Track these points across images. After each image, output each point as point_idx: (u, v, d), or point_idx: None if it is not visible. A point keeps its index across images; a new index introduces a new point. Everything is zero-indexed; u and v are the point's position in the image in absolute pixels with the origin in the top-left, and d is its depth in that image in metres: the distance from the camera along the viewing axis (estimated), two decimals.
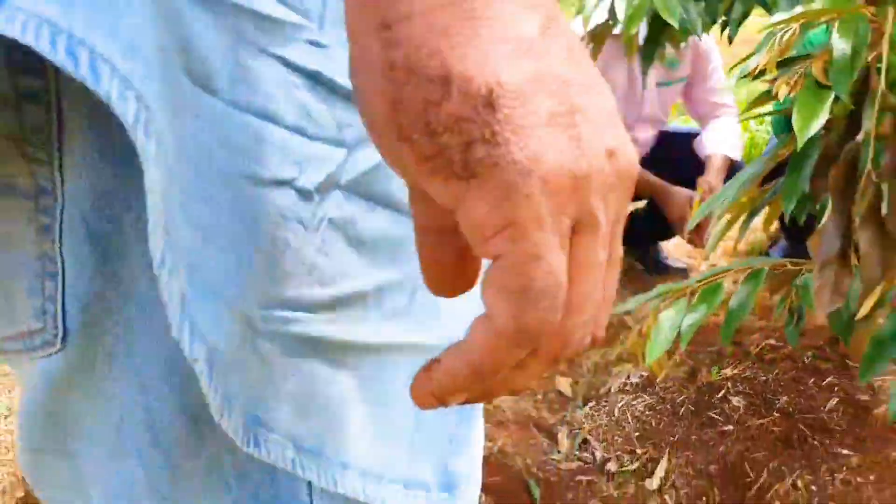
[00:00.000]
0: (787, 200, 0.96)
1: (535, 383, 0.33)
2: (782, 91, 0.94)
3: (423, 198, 0.27)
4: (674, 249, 2.85)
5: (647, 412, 1.94)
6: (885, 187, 0.83)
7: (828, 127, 0.91)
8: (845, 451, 1.73)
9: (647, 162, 2.59)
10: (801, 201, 0.95)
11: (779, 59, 0.95)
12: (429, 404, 0.28)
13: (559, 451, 1.81)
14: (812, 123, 0.86)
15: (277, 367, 0.32)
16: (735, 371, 1.99)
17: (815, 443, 1.75)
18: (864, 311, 0.94)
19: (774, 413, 1.83)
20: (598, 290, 0.26)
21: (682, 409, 1.92)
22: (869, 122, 0.84)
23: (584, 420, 1.92)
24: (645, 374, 2.07)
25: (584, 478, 1.73)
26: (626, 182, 0.26)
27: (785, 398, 1.87)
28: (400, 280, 0.35)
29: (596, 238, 0.25)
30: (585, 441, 1.85)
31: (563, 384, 2.08)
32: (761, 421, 1.82)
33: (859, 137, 0.84)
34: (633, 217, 2.77)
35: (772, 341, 2.08)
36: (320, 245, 0.32)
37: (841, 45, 0.90)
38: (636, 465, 1.75)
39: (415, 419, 0.38)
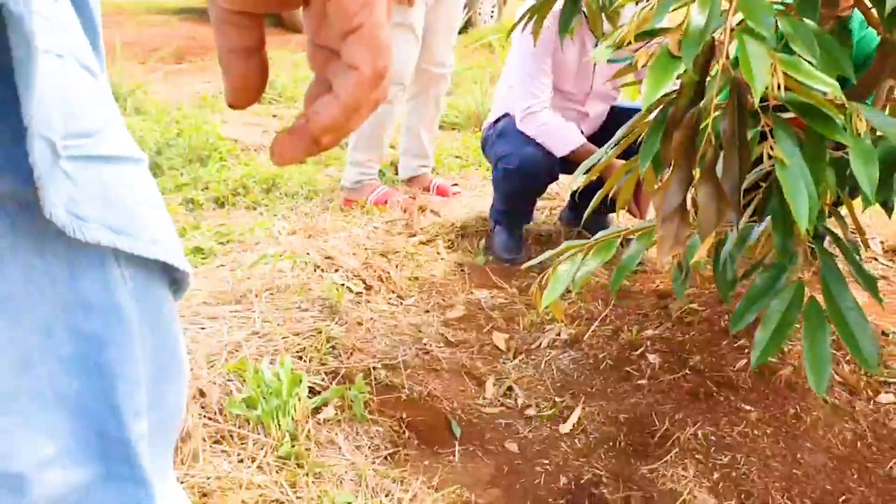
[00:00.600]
0: (642, 162, 1.08)
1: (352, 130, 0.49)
2: (641, 61, 1.05)
3: (239, 23, 0.43)
4: (621, 220, 2.97)
5: (571, 365, 2.07)
6: (722, 153, 0.95)
7: (678, 95, 1.03)
8: (747, 407, 1.87)
9: (598, 137, 2.71)
10: (655, 162, 1.07)
11: (637, 32, 1.07)
12: (299, 153, 0.42)
13: (485, 398, 1.95)
14: (658, 90, 0.98)
15: (76, 178, 0.44)
16: (655, 332, 2.13)
17: (721, 398, 1.89)
18: (699, 255, 1.07)
19: (686, 370, 1.97)
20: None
21: (603, 364, 2.06)
22: (711, 92, 0.95)
23: (512, 371, 2.06)
24: (573, 331, 2.20)
25: (503, 421, 1.86)
26: None
27: (698, 357, 2.00)
28: (117, 113, 0.48)
29: (391, 18, 0.42)
30: (510, 389, 1.98)
31: (499, 339, 2.21)
32: (673, 376, 1.95)
33: (702, 104, 0.96)
34: (585, 189, 2.90)
35: (694, 305, 2.22)
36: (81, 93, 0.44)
37: (698, 20, 1.02)
38: (552, 411, 1.89)
39: (159, 213, 0.51)
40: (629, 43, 1.09)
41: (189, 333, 1.83)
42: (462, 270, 2.64)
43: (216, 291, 2.12)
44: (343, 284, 2.31)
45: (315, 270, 2.37)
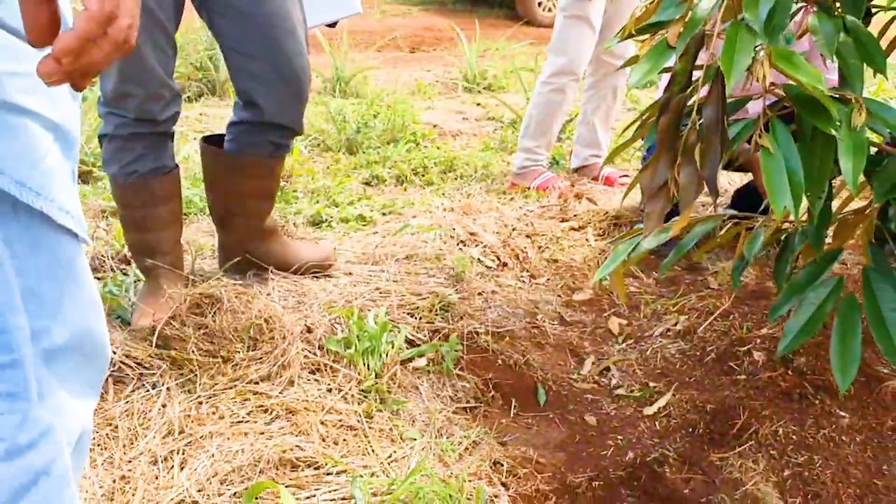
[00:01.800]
0: (646, 143, 1.15)
1: (106, 64, 0.58)
2: (643, 52, 1.12)
3: None
4: None
5: (676, 355, 2.11)
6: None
7: (670, 83, 1.09)
8: (841, 413, 1.82)
9: None
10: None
11: (637, 27, 1.13)
12: (53, 70, 0.57)
13: (580, 374, 2.05)
14: (646, 77, 1.06)
15: None
16: (770, 331, 2.10)
17: (815, 401, 1.85)
18: (676, 230, 1.12)
19: (788, 370, 1.94)
20: (128, 17, 0.58)
21: (709, 357, 2.07)
22: (697, 81, 1.02)
23: (616, 353, 2.13)
24: (690, 323, 2.22)
25: (590, 396, 1.96)
26: None
27: (803, 359, 1.96)
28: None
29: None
30: (608, 369, 2.07)
31: (614, 324, 2.29)
32: (771, 374, 1.94)
33: (687, 92, 1.02)
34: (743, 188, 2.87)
35: None
36: None
37: (701, 12, 1.08)
38: (642, 393, 1.95)
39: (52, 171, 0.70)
40: (631, 35, 1.17)
41: (320, 284, 2.10)
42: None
43: (360, 253, 2.39)
44: (478, 259, 2.49)
45: (457, 244, 2.57)
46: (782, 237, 1.46)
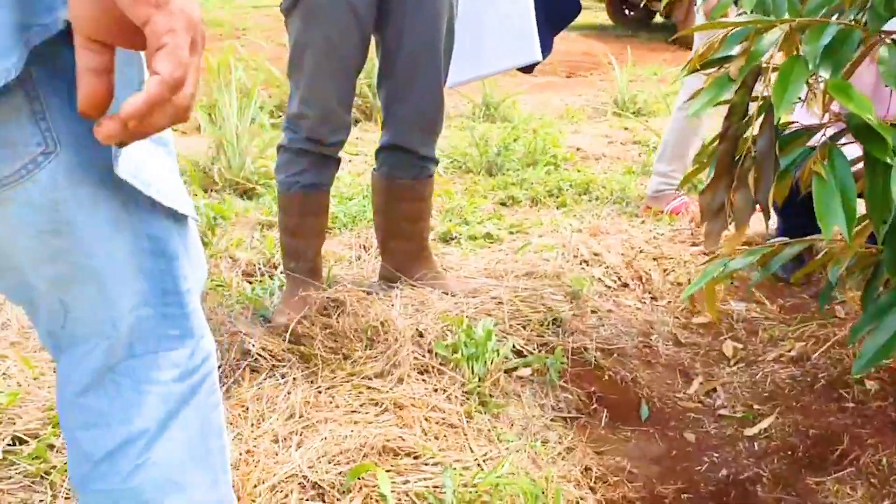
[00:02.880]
0: (709, 171, 1.21)
1: (162, 129, 0.68)
2: (707, 84, 1.19)
3: (95, 49, 0.59)
4: None
5: (786, 380, 2.11)
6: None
7: (729, 113, 1.15)
8: None
9: None
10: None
11: (701, 62, 1.20)
12: (116, 133, 0.59)
13: (686, 393, 2.09)
14: (705, 108, 1.13)
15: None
16: (886, 361, 2.06)
17: None
18: (728, 248, 1.18)
19: None
20: (192, 86, 0.63)
21: (819, 384, 2.06)
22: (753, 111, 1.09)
23: (725, 376, 2.16)
24: (805, 350, 2.21)
25: (693, 415, 2.00)
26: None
27: None
28: None
29: (196, 50, 0.62)
30: (714, 390, 2.09)
31: (728, 347, 2.30)
32: (882, 404, 1.91)
33: (743, 122, 1.09)
34: None
35: None
36: None
37: (762, 47, 1.15)
38: (745, 415, 1.97)
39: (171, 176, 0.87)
40: (695, 70, 1.24)
41: (439, 294, 2.26)
42: (731, 282, 2.72)
43: (482, 268, 2.54)
44: (598, 278, 2.58)
45: (579, 263, 2.66)
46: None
